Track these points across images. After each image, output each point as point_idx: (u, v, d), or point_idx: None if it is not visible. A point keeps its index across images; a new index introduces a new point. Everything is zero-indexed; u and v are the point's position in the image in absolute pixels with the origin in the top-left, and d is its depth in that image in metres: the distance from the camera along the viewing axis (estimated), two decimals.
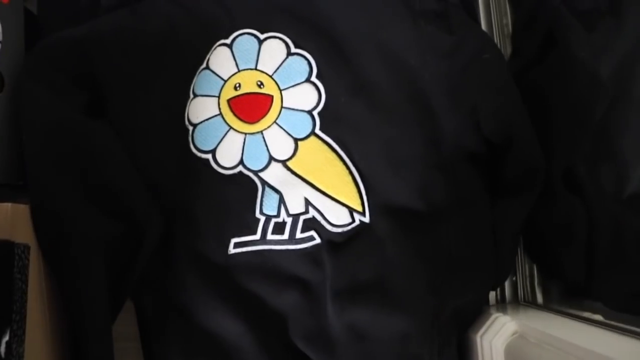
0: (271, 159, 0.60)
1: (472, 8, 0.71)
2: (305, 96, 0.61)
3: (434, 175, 0.62)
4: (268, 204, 0.60)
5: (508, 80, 0.65)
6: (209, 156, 0.60)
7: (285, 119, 0.61)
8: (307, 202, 0.60)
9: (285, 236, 0.60)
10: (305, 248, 0.60)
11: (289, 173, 0.60)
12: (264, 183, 0.60)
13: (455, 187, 0.63)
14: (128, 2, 0.68)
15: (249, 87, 0.61)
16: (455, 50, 0.64)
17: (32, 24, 0.67)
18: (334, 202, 0.60)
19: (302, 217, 0.60)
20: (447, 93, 0.63)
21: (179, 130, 0.61)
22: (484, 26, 0.73)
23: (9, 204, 0.52)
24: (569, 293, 0.67)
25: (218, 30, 0.63)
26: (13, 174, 0.59)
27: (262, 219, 0.60)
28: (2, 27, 0.59)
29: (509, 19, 0.74)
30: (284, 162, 0.60)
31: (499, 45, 0.72)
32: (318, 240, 0.60)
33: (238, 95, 0.61)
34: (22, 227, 0.53)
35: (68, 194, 0.57)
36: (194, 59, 0.63)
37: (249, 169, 0.60)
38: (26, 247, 0.50)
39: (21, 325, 0.48)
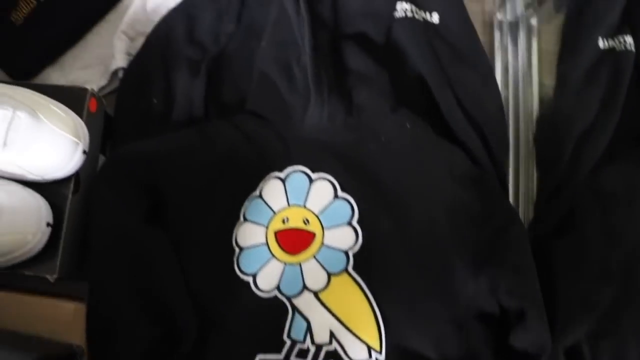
0: (304, 288, 0.65)
1: (503, 172, 0.76)
2: (344, 237, 0.66)
3: (448, 329, 0.65)
4: (296, 329, 0.64)
5: (528, 259, 0.67)
6: (250, 279, 0.65)
7: (323, 254, 0.66)
8: (332, 335, 0.64)
9: None
10: None
11: (318, 303, 0.65)
12: (295, 309, 0.64)
13: (466, 343, 0.66)
14: (196, 120, 0.76)
15: (295, 222, 0.67)
16: (484, 222, 0.68)
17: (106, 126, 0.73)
18: (355, 338, 0.64)
19: (325, 348, 0.64)
20: (470, 258, 0.66)
21: (225, 249, 0.66)
22: (511, 189, 0.77)
23: (72, 304, 0.57)
24: None
25: (274, 162, 0.69)
26: (73, 270, 0.63)
27: (288, 342, 0.64)
28: (89, 136, 0.65)
29: (534, 184, 0.78)
30: (315, 293, 0.65)
31: (523, 208, 0.76)
32: None
33: (285, 229, 0.67)
34: (79, 325, 0.58)
35: (122, 299, 0.62)
36: (248, 184, 0.68)
37: (283, 294, 0.64)
38: (82, 350, 0.55)
39: None
